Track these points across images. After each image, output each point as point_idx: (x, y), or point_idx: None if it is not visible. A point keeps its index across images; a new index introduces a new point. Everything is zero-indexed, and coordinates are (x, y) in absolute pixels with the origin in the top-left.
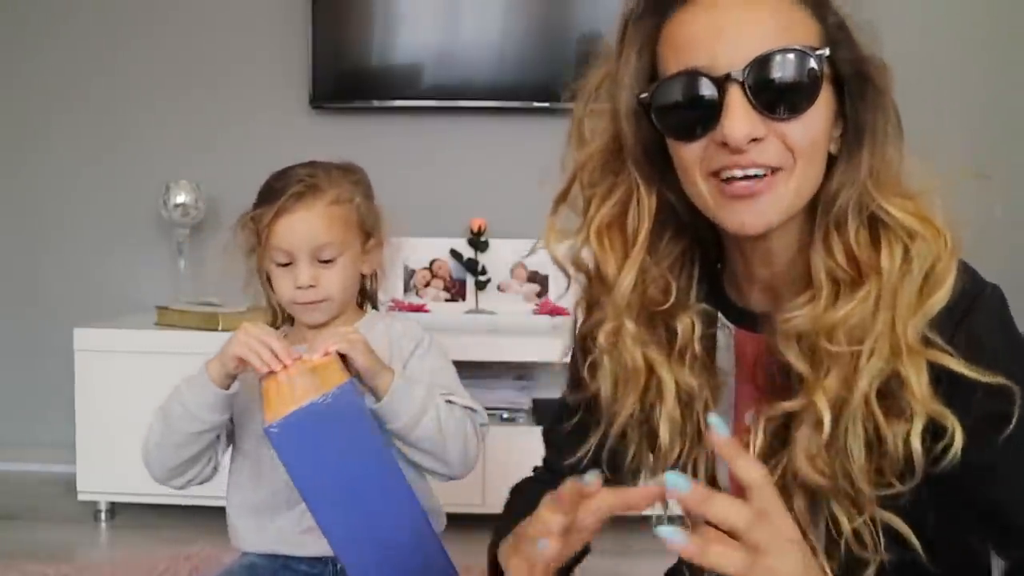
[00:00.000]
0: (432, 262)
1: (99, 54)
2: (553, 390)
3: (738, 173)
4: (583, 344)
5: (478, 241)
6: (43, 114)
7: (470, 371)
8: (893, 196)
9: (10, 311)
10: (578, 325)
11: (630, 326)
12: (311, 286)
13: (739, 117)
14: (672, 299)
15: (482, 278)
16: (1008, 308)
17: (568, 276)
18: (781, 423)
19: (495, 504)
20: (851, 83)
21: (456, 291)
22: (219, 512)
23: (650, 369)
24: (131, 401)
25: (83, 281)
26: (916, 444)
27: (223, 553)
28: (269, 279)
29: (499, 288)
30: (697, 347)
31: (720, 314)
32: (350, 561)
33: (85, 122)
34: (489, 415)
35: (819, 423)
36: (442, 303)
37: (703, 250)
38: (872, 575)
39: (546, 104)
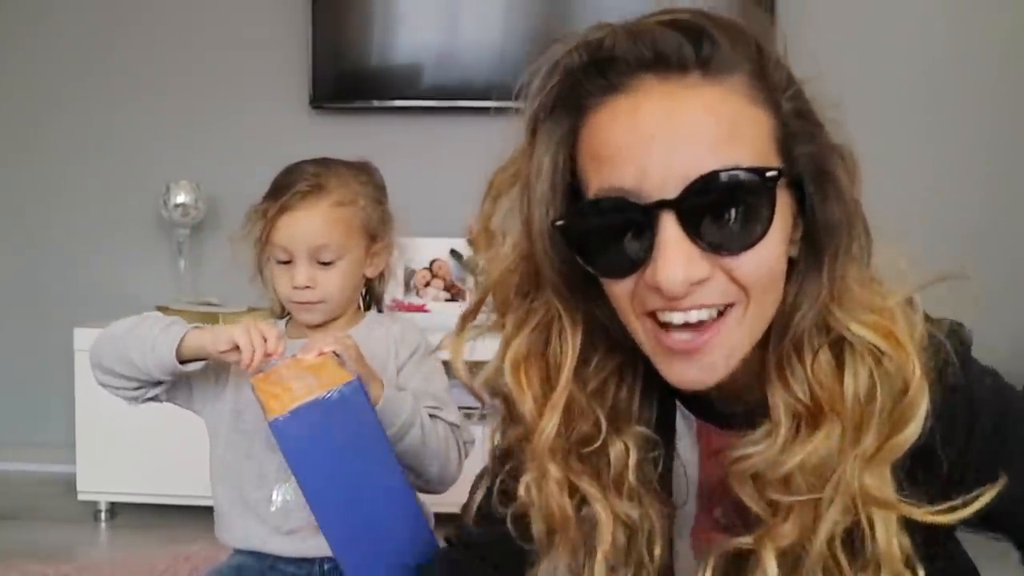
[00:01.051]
0: (432, 262)
1: (99, 54)
2: None
3: (677, 319)
4: (498, 474)
5: None
6: (43, 114)
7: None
8: (859, 310)
9: (10, 311)
10: (491, 455)
11: (555, 472)
12: (307, 287)
13: (675, 258)
14: (603, 432)
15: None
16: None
17: (482, 404)
18: (733, 560)
19: None
20: (811, 180)
21: (456, 291)
22: None
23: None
24: None
25: (83, 281)
26: None
27: (223, 553)
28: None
29: None
30: (631, 476)
31: (683, 413)
32: (349, 560)
33: (85, 122)
34: (488, 415)
35: (772, 572)
36: (442, 303)
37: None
38: None
39: None
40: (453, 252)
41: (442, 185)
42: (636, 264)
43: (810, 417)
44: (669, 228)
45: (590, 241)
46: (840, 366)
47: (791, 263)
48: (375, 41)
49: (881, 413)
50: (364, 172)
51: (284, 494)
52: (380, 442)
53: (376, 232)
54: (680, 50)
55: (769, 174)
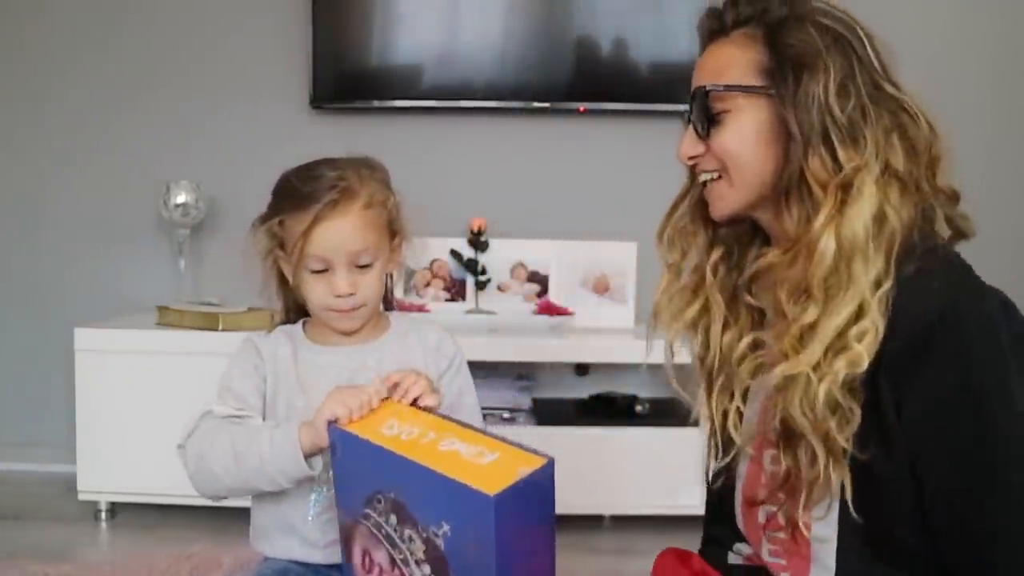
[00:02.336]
0: (432, 262)
1: (99, 54)
2: (553, 390)
3: (701, 177)
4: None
5: (478, 241)
6: (43, 114)
7: (470, 371)
8: (819, 169)
9: (10, 311)
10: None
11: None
12: (351, 293)
13: (683, 141)
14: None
15: (482, 278)
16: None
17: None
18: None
19: None
20: (783, 91)
21: (456, 291)
22: (220, 512)
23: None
24: (131, 401)
25: (83, 281)
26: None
27: (223, 553)
28: (284, 281)
29: (499, 288)
30: (721, 270)
31: None
32: None
33: (85, 122)
34: (489, 415)
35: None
36: (442, 303)
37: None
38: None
39: (546, 104)
40: (453, 252)
41: (442, 185)
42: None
43: (792, 245)
44: (687, 124)
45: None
46: (813, 211)
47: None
48: (375, 41)
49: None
50: (376, 168)
51: (314, 505)
52: (553, 520)
53: (396, 228)
54: (714, 23)
55: (709, 88)
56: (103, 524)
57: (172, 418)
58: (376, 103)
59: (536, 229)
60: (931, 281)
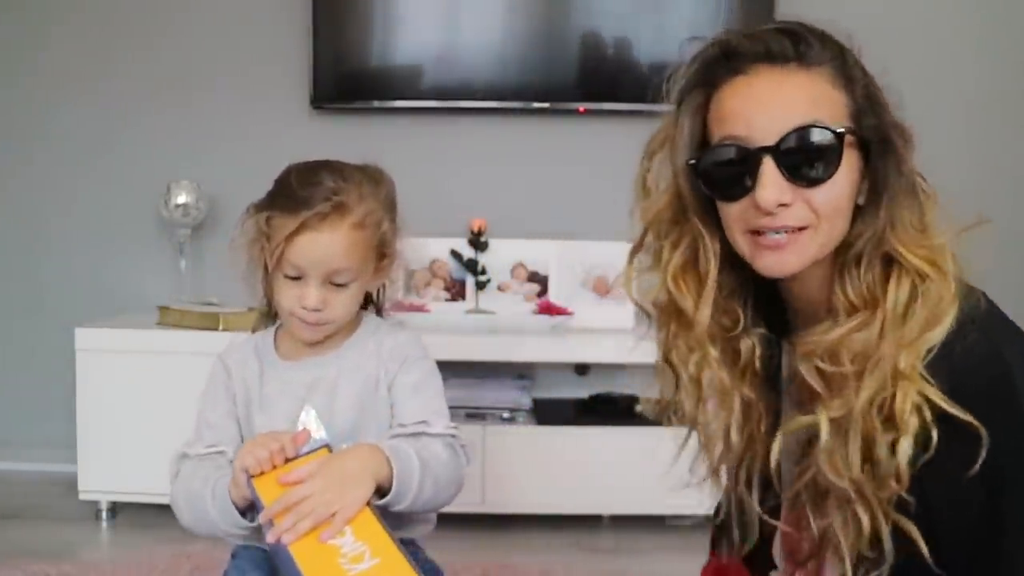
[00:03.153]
0: (432, 262)
1: (100, 54)
2: (553, 390)
3: (770, 234)
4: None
5: (478, 241)
6: (43, 114)
7: (470, 371)
8: (912, 244)
9: (10, 311)
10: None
11: (712, 352)
12: (317, 309)
13: (770, 185)
14: (740, 325)
15: (482, 278)
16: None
17: (648, 316)
18: (806, 435)
19: (495, 504)
20: (875, 146)
21: (456, 291)
22: None
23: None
24: (132, 401)
25: (84, 281)
26: (903, 453)
27: (223, 553)
28: (270, 281)
29: (499, 288)
30: (758, 364)
31: (781, 339)
32: None
33: (86, 122)
34: (489, 415)
35: (824, 434)
36: (442, 303)
37: (755, 282)
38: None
39: (546, 104)
40: (453, 252)
41: (442, 185)
42: (744, 191)
43: (858, 312)
44: (767, 165)
45: (712, 174)
46: (887, 279)
47: (859, 209)
48: (375, 42)
49: (919, 316)
50: (380, 183)
51: None
52: None
53: (386, 250)
54: (783, 47)
55: (838, 130)
56: (103, 524)
57: (173, 418)
58: (376, 103)
59: (536, 229)
60: (956, 338)
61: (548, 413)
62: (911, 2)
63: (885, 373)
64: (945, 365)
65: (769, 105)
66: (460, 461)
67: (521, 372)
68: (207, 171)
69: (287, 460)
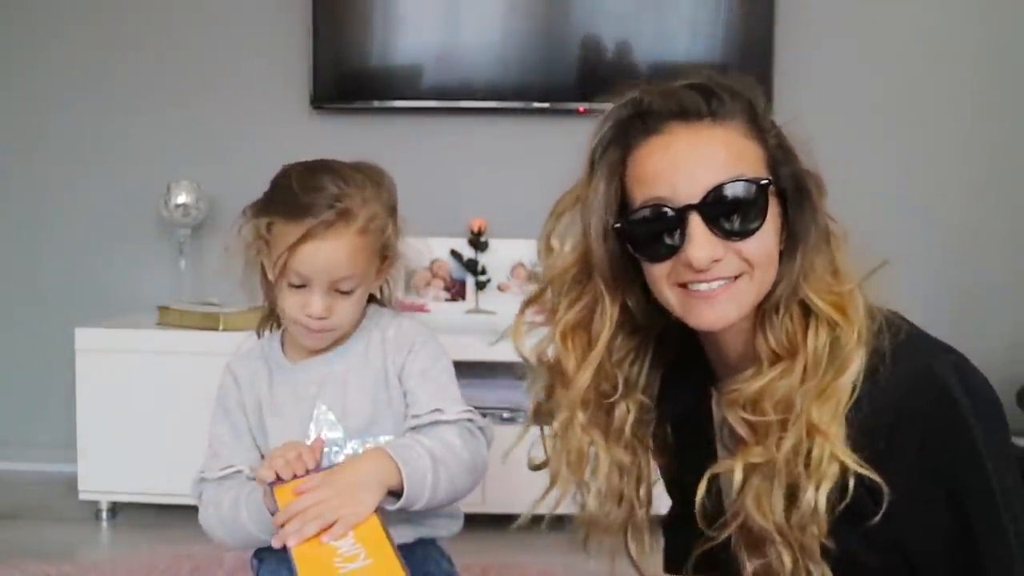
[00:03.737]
0: (432, 262)
1: (100, 54)
2: None
3: (703, 287)
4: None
5: (478, 241)
6: (44, 114)
7: (470, 371)
8: (824, 291)
9: (10, 311)
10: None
11: (580, 417)
12: (323, 317)
13: (701, 242)
14: (619, 392)
15: (482, 278)
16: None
17: (531, 368)
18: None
19: (495, 504)
20: (791, 195)
21: (456, 291)
22: None
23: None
24: (132, 401)
25: (84, 281)
26: (820, 502)
27: (223, 553)
28: (267, 275)
29: (499, 288)
30: (627, 432)
31: (709, 386)
32: None
33: (86, 122)
34: (489, 415)
35: (737, 480)
36: (442, 303)
37: (657, 345)
38: None
39: (546, 104)
40: (453, 252)
41: (442, 185)
42: (673, 250)
43: (780, 360)
44: (695, 222)
45: (639, 236)
46: (806, 327)
47: (780, 255)
48: (376, 42)
49: (832, 363)
50: (381, 185)
51: None
52: None
53: (388, 252)
54: (696, 103)
55: (762, 182)
56: (103, 524)
57: (173, 418)
58: (376, 103)
59: (536, 229)
60: (884, 371)
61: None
62: (911, 2)
63: (802, 426)
64: (883, 400)
65: (689, 163)
66: (478, 443)
67: (521, 372)
68: (207, 171)
69: (307, 471)
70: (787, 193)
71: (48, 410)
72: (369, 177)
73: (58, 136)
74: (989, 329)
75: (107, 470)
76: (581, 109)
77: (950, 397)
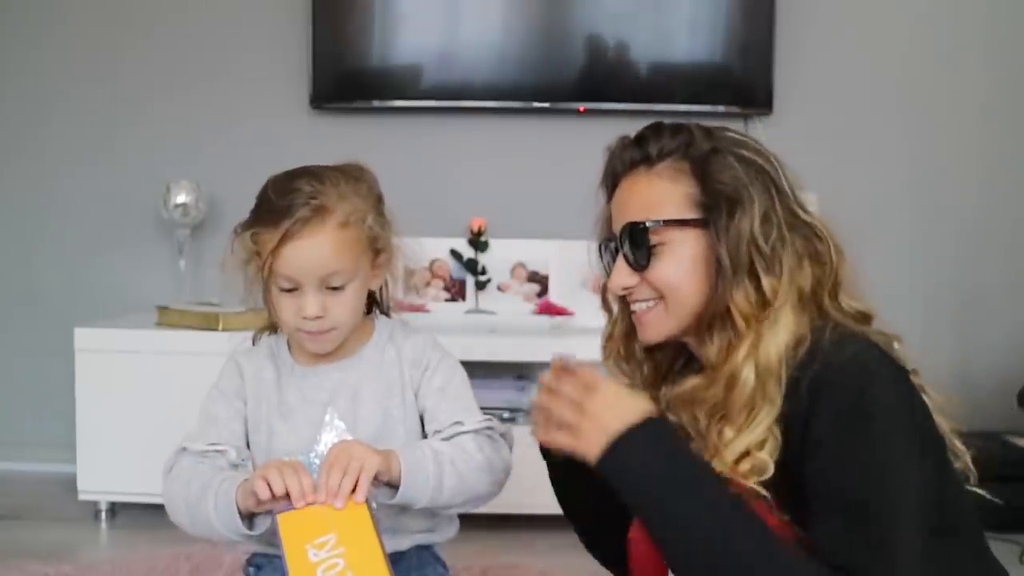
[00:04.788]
0: (432, 262)
1: (99, 53)
2: None
3: (633, 307)
4: None
5: (478, 241)
6: (43, 114)
7: (470, 371)
8: (746, 311)
9: (10, 311)
10: None
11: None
12: (319, 316)
13: (615, 272)
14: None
15: (482, 278)
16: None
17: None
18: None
19: (496, 503)
20: (716, 224)
21: (456, 291)
22: None
23: None
24: (132, 401)
25: (83, 281)
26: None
27: (223, 553)
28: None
29: (499, 288)
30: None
31: None
32: None
33: (85, 122)
34: (489, 415)
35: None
36: (442, 303)
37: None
38: None
39: (546, 104)
40: (453, 252)
41: (442, 185)
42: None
43: (713, 371)
44: (620, 256)
45: (606, 263)
46: (731, 344)
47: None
48: (375, 41)
49: (747, 384)
50: (360, 180)
51: None
52: None
53: (380, 245)
54: (634, 154)
55: (649, 224)
56: (103, 524)
57: (172, 418)
58: (376, 103)
59: (536, 229)
60: (817, 363)
61: None
62: (912, 2)
63: (714, 435)
64: (824, 377)
65: (622, 207)
66: (496, 446)
67: (521, 372)
68: (207, 171)
69: (308, 504)
70: (711, 223)
71: (47, 410)
72: (346, 174)
73: (58, 136)
74: (989, 329)
75: (106, 470)
76: (581, 109)
77: (863, 359)
